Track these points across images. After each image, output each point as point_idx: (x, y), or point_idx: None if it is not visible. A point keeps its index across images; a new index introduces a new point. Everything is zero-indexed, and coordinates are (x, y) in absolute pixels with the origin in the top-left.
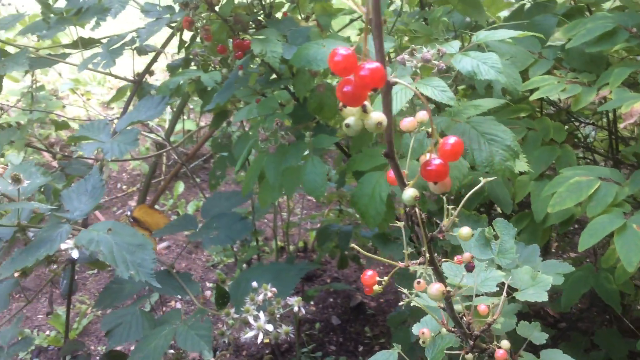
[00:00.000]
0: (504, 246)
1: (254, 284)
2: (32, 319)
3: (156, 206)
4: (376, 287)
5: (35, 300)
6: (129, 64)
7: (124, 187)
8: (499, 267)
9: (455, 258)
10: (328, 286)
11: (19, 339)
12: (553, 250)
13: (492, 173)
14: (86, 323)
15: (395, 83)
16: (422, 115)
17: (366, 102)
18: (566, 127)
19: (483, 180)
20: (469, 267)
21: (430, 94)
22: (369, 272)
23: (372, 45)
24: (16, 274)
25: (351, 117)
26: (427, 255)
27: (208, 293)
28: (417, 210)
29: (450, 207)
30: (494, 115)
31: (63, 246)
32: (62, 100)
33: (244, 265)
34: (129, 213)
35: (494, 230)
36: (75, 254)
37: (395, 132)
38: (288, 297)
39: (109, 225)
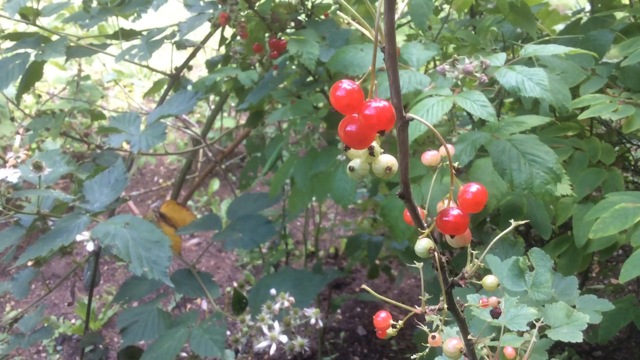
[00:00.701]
0: (539, 279)
1: (273, 291)
2: (59, 306)
3: (190, 202)
4: (390, 331)
5: (65, 287)
6: (169, 59)
7: (161, 180)
8: (532, 301)
9: (481, 301)
10: (355, 296)
11: (44, 325)
12: (594, 275)
13: (531, 196)
14: (111, 314)
15: (412, 119)
16: (445, 149)
17: (374, 143)
18: (616, 148)
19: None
20: (495, 313)
21: (469, 108)
22: (382, 314)
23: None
24: (29, 263)
25: (356, 159)
26: (446, 304)
27: None
28: (436, 253)
29: (475, 251)
30: (539, 132)
31: (79, 238)
32: (106, 91)
33: (271, 268)
34: (156, 206)
35: (529, 260)
36: (90, 247)
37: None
38: (306, 309)
39: (127, 219)
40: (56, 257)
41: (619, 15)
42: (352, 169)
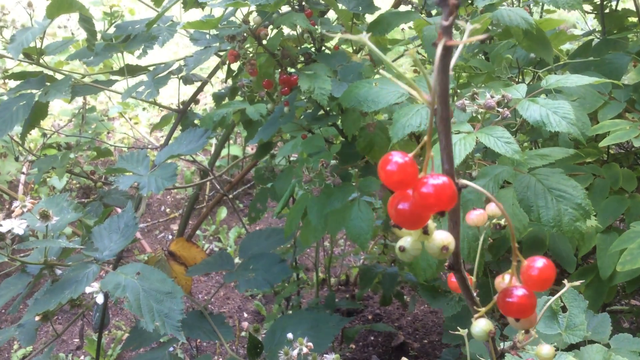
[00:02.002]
0: (573, 320)
1: (290, 335)
2: (68, 342)
3: (198, 231)
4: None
5: (74, 322)
6: (175, 90)
7: (168, 210)
8: (566, 345)
9: None
10: (369, 327)
11: None
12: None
13: (560, 234)
14: (120, 351)
15: (465, 186)
16: (494, 208)
17: (429, 221)
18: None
19: None
20: None
21: (492, 145)
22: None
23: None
24: (37, 318)
25: (407, 237)
26: None
27: (245, 324)
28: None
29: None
30: (557, 161)
31: (88, 290)
32: (112, 121)
33: (283, 301)
34: (163, 236)
35: (561, 300)
36: (100, 299)
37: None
38: (325, 355)
39: (138, 269)
40: None
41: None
42: (402, 250)
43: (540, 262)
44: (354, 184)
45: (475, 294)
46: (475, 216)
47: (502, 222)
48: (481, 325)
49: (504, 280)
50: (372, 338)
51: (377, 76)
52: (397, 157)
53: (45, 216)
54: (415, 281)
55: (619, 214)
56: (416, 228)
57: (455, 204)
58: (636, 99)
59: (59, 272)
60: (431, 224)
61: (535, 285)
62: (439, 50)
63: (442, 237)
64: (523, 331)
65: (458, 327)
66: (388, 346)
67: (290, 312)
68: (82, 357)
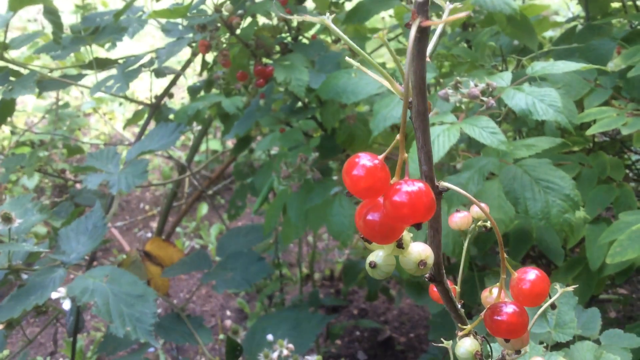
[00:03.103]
0: (563, 318)
1: (270, 337)
2: (46, 345)
3: (178, 229)
4: None
5: (50, 325)
6: (152, 84)
7: (147, 207)
8: (556, 343)
9: None
10: (354, 322)
11: None
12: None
13: (548, 226)
14: (95, 357)
15: (447, 189)
16: (479, 210)
17: (404, 233)
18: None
19: None
20: None
21: (477, 136)
22: None
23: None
24: (0, 326)
25: (378, 251)
26: None
27: (228, 322)
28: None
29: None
30: (543, 150)
31: (54, 295)
32: (87, 117)
33: (266, 299)
34: (148, 237)
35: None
36: (67, 305)
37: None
38: (307, 356)
39: (107, 271)
40: None
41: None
42: (373, 266)
43: (532, 274)
44: (334, 178)
45: (460, 305)
46: (458, 219)
47: (488, 224)
48: (466, 345)
49: (491, 294)
50: (357, 333)
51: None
52: (364, 160)
53: (7, 219)
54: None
55: (607, 203)
56: (388, 242)
57: (437, 212)
58: (622, 85)
59: (25, 277)
60: (406, 235)
61: (527, 300)
62: (412, 31)
63: (418, 250)
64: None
65: (442, 339)
66: (374, 341)
67: (274, 309)
68: None
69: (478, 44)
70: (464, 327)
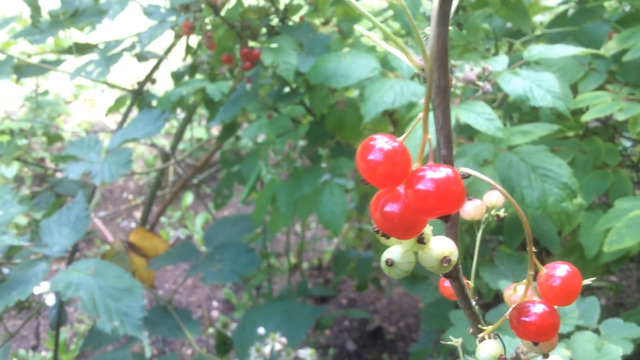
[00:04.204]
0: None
1: (261, 330)
2: (29, 338)
3: (163, 218)
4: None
5: (33, 317)
6: (136, 70)
7: (130, 196)
8: None
9: None
10: (344, 313)
11: None
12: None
13: (545, 215)
14: (79, 352)
15: (467, 175)
16: (494, 197)
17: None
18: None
19: None
20: None
21: (473, 122)
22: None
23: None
24: None
25: (395, 247)
26: None
27: (215, 314)
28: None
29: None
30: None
31: (37, 290)
32: (68, 105)
33: (253, 290)
34: (132, 228)
35: None
36: (50, 301)
37: None
38: (300, 350)
39: (92, 265)
40: None
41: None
42: (390, 263)
43: (562, 269)
44: (324, 165)
45: (474, 302)
46: (472, 208)
47: (501, 213)
48: (489, 349)
49: (515, 292)
50: (347, 323)
51: (346, 49)
52: (381, 142)
53: None
54: None
55: (603, 190)
56: (409, 237)
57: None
58: (616, 69)
59: (6, 271)
60: (427, 229)
61: (558, 298)
62: None
63: (441, 245)
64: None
65: (451, 337)
66: (363, 331)
67: (262, 300)
68: (43, 353)
69: (471, 27)
70: (483, 327)
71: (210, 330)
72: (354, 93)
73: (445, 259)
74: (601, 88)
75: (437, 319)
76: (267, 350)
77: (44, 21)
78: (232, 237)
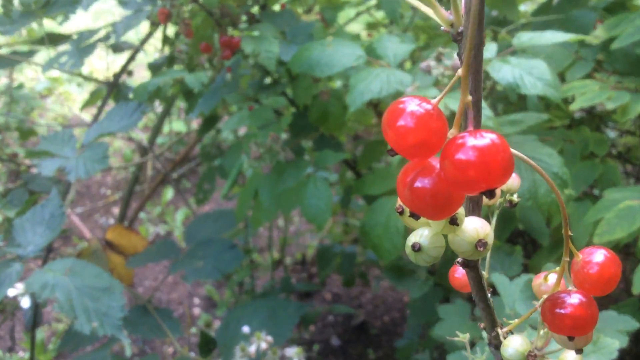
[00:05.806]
0: None
1: (245, 329)
2: (5, 338)
3: (142, 214)
4: None
5: (8, 318)
6: (112, 62)
7: (108, 192)
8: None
9: None
10: (328, 308)
11: None
12: None
13: (536, 207)
14: (56, 353)
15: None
16: (511, 180)
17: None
18: None
19: None
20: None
21: None
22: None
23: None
24: None
25: (423, 229)
26: None
27: (196, 311)
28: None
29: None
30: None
31: (11, 292)
32: (43, 99)
33: (235, 287)
34: (109, 224)
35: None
36: (25, 303)
37: None
38: (286, 349)
39: (69, 265)
40: None
41: None
42: (417, 248)
43: (599, 255)
44: (307, 158)
45: (489, 295)
46: None
47: (515, 197)
48: (516, 345)
49: (546, 281)
50: (331, 318)
51: (330, 38)
52: (412, 106)
53: None
54: (377, 260)
55: (592, 180)
56: (442, 217)
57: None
58: (604, 57)
59: None
60: (462, 213)
61: (595, 287)
62: None
63: (475, 227)
64: (542, 335)
65: (458, 333)
66: (348, 326)
67: (245, 296)
68: (20, 353)
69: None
70: (506, 321)
71: (193, 329)
72: (337, 84)
73: (481, 242)
74: (589, 76)
75: (424, 314)
76: (252, 349)
77: (16, 11)
78: (214, 233)
